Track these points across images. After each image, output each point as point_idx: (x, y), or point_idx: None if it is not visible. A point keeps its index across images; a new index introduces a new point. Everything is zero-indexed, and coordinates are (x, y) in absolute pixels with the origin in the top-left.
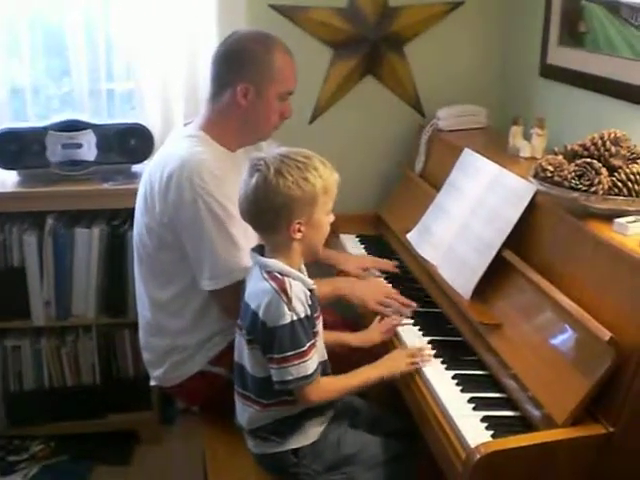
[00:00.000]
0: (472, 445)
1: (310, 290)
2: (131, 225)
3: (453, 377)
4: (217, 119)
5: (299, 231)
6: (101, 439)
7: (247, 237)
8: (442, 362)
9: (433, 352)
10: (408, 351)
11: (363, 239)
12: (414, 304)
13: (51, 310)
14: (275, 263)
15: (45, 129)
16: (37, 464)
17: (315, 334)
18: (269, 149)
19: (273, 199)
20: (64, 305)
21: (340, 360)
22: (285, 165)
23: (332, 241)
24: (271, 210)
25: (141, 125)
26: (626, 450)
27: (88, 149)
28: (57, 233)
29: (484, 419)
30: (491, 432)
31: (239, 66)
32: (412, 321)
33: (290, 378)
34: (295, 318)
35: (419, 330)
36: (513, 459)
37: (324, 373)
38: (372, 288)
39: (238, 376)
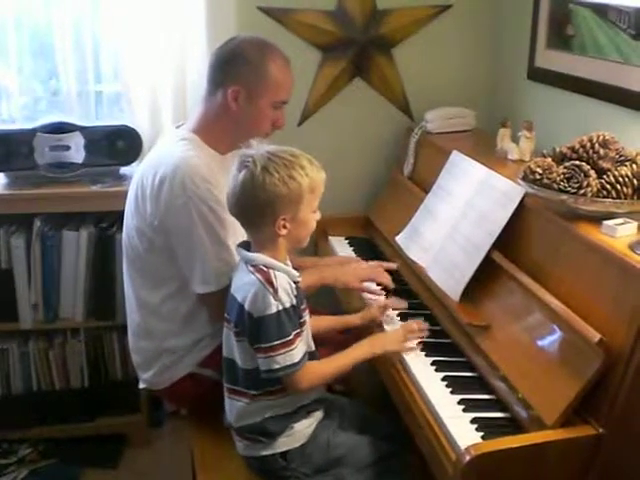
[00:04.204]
0: (462, 447)
1: (295, 282)
2: (119, 227)
3: (443, 379)
4: (209, 121)
5: (284, 227)
6: (90, 442)
7: (237, 239)
8: (431, 364)
9: (423, 353)
10: (405, 328)
11: (352, 241)
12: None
13: (39, 313)
14: (260, 257)
15: (33, 131)
16: (26, 468)
17: (302, 324)
18: (259, 146)
19: (258, 195)
20: (52, 308)
21: (329, 346)
22: (272, 162)
23: (321, 243)
24: (256, 206)
25: (129, 127)
26: (615, 451)
27: (76, 151)
28: (45, 235)
29: (474, 420)
30: (481, 433)
31: (232, 68)
32: (401, 323)
33: (277, 367)
34: (281, 308)
35: None
36: (503, 460)
37: None
38: (353, 271)
39: (227, 371)
